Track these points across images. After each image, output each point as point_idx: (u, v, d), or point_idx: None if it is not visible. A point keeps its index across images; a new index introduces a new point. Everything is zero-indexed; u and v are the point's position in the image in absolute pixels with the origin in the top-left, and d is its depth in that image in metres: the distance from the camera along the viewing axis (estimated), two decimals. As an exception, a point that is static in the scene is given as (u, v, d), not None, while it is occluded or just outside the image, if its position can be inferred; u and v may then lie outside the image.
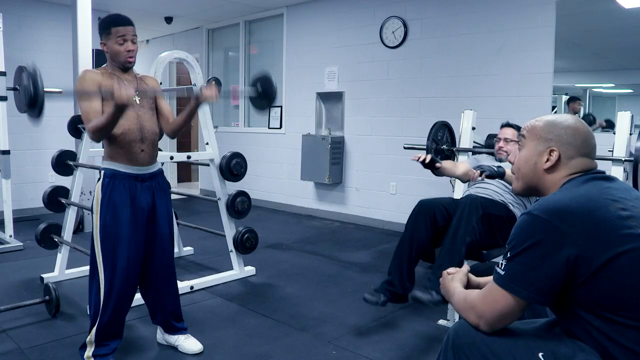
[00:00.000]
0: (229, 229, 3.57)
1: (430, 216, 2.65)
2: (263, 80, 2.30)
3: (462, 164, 3.07)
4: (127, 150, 2.20)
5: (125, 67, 2.25)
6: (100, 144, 4.31)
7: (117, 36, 2.17)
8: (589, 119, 4.26)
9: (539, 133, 1.35)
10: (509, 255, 1.22)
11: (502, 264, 1.24)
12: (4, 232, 4.48)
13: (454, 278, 1.48)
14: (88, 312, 2.51)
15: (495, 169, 2.67)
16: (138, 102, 2.25)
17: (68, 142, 4.39)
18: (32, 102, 1.99)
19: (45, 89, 2.00)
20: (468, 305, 1.32)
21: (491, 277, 1.29)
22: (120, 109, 1.96)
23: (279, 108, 6.27)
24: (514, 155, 1.45)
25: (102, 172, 2.23)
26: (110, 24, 2.19)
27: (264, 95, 2.31)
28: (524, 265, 1.19)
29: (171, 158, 3.34)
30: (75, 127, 3.63)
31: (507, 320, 1.25)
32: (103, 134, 2.10)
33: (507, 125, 3.01)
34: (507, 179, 2.69)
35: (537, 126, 1.36)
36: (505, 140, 2.96)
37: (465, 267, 1.54)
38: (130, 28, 2.21)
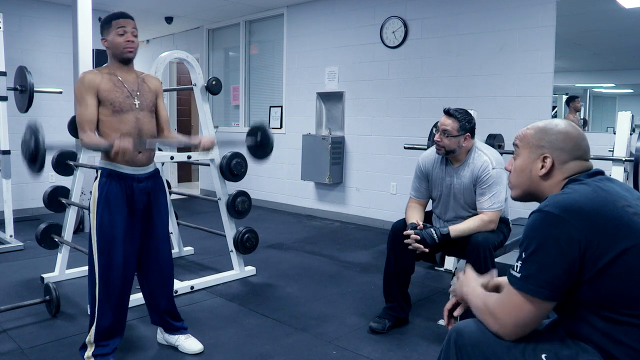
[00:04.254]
0: (230, 229, 3.56)
1: (404, 239, 2.58)
2: (262, 131, 2.46)
3: (413, 213, 2.84)
4: (124, 152, 2.20)
5: (125, 60, 2.24)
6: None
7: (117, 27, 2.19)
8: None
9: (530, 141, 1.36)
10: (523, 256, 1.22)
11: (516, 266, 1.23)
12: (4, 232, 4.48)
13: (477, 279, 1.45)
14: (88, 312, 2.52)
15: (434, 234, 2.50)
16: (138, 105, 2.24)
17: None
18: (32, 158, 2.01)
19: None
20: (487, 311, 1.29)
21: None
22: (114, 149, 2.04)
23: (279, 108, 6.27)
24: (510, 163, 1.45)
25: (99, 171, 2.23)
26: (111, 19, 2.22)
27: (261, 145, 2.47)
28: (539, 263, 1.18)
29: (171, 158, 3.33)
30: (76, 127, 3.62)
31: (532, 325, 1.23)
32: (91, 150, 2.14)
33: (447, 113, 2.62)
34: (457, 234, 2.54)
35: (529, 134, 1.37)
36: (444, 132, 2.60)
37: (494, 272, 1.51)
38: (130, 21, 2.22)
